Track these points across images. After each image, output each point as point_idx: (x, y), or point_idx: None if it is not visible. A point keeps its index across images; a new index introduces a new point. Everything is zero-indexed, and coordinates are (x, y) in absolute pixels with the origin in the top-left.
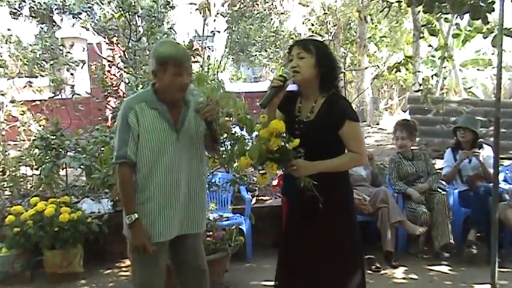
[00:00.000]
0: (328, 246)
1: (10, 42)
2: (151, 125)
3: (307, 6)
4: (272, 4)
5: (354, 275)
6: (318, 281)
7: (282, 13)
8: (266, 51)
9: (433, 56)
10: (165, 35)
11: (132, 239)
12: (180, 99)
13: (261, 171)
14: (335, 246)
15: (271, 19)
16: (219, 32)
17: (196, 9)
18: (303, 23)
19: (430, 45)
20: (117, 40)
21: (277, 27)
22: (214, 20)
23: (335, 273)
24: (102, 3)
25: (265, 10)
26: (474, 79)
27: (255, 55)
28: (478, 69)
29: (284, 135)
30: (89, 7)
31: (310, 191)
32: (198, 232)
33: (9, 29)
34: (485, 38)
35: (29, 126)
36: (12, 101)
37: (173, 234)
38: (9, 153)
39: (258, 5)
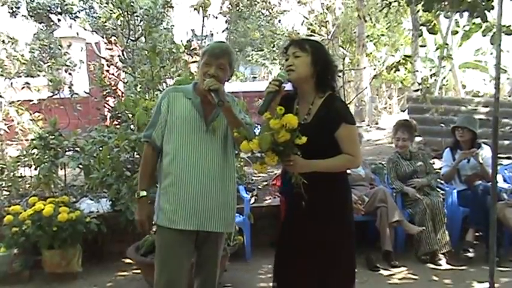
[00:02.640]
0: (323, 255)
1: (8, 42)
2: (182, 112)
3: (306, 5)
4: (270, 3)
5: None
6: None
7: (280, 13)
8: (263, 50)
9: (432, 60)
10: (162, 36)
11: (136, 212)
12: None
13: (259, 160)
14: (331, 256)
15: (270, 19)
16: (217, 33)
17: (195, 8)
18: (302, 23)
19: (424, 46)
20: (115, 40)
21: (275, 26)
22: (216, 17)
23: (328, 283)
24: (102, 2)
25: (263, 10)
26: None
27: (252, 54)
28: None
29: (295, 131)
30: (89, 6)
31: (299, 188)
32: (219, 232)
33: (5, 30)
34: (484, 35)
35: (27, 125)
36: (10, 102)
37: (194, 226)
38: (7, 153)
39: (255, 4)
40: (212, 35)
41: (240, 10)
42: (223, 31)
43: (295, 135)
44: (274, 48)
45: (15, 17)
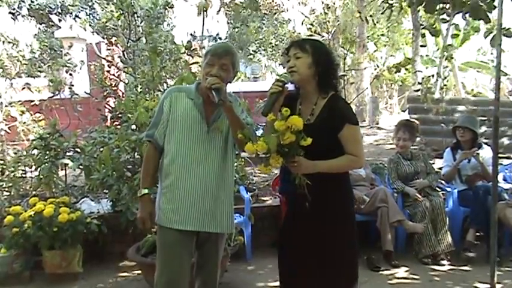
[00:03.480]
0: (326, 255)
1: (8, 43)
2: (184, 112)
3: (306, 5)
4: (273, 2)
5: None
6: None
7: (282, 11)
8: (265, 50)
9: (435, 58)
10: (163, 36)
11: (138, 210)
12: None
13: (264, 161)
14: (333, 256)
15: (271, 19)
16: (218, 35)
17: (200, 12)
18: (302, 23)
19: (424, 46)
20: (116, 40)
21: (276, 25)
22: (218, 21)
23: (331, 282)
24: (102, 3)
25: (266, 10)
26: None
27: (254, 53)
28: (477, 71)
29: (300, 132)
30: (89, 6)
31: (302, 189)
32: (220, 232)
33: (5, 31)
34: (486, 37)
35: (28, 126)
36: (11, 103)
37: (194, 226)
38: (8, 153)
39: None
40: (215, 36)
41: (241, 11)
42: (226, 31)
43: (301, 137)
44: (275, 48)
45: (16, 17)
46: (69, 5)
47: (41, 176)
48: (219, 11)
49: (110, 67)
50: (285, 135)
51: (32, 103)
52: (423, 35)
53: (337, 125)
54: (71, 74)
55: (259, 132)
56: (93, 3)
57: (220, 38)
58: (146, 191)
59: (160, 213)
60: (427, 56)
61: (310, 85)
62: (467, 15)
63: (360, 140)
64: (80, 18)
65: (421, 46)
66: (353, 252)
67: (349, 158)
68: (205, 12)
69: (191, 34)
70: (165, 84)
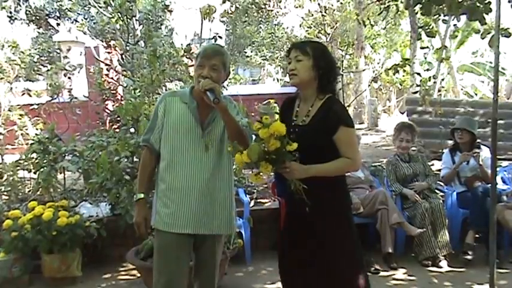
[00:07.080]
0: (324, 264)
1: (8, 46)
2: (178, 116)
3: (303, 7)
4: (271, 5)
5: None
6: None
7: (277, 16)
8: (263, 50)
9: (430, 62)
10: (162, 40)
11: (134, 215)
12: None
13: (254, 171)
14: (332, 265)
15: (269, 22)
16: (220, 37)
17: (204, 17)
18: (300, 25)
19: (426, 47)
20: (114, 44)
21: (273, 28)
22: (222, 22)
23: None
24: (100, 7)
25: (263, 12)
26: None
27: (251, 56)
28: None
29: (284, 138)
30: (86, 10)
31: (300, 194)
32: (217, 234)
33: (5, 36)
34: (483, 38)
35: (27, 129)
36: (10, 109)
37: (191, 229)
38: (3, 159)
39: (257, 10)
40: (215, 39)
41: (242, 13)
42: (226, 35)
43: (286, 142)
44: (274, 50)
45: (13, 21)
46: (66, 9)
47: (40, 180)
48: (224, 14)
49: (108, 70)
50: (270, 142)
51: (31, 107)
52: (419, 37)
53: (332, 126)
54: (69, 78)
55: None
56: (90, 8)
57: (220, 37)
58: (142, 195)
59: (157, 216)
60: (425, 58)
61: (310, 87)
62: (463, 16)
63: (355, 142)
64: (77, 21)
65: (422, 48)
66: (354, 254)
67: (344, 161)
68: (210, 17)
69: (196, 34)
70: (164, 88)
